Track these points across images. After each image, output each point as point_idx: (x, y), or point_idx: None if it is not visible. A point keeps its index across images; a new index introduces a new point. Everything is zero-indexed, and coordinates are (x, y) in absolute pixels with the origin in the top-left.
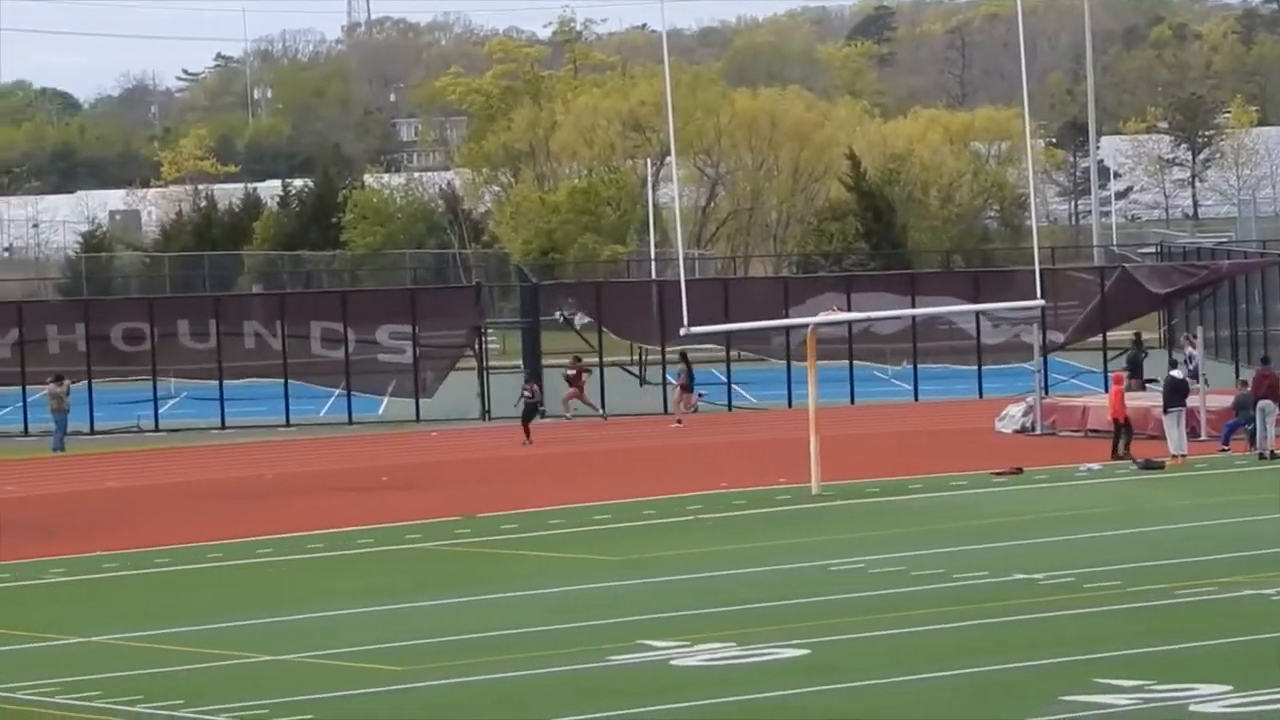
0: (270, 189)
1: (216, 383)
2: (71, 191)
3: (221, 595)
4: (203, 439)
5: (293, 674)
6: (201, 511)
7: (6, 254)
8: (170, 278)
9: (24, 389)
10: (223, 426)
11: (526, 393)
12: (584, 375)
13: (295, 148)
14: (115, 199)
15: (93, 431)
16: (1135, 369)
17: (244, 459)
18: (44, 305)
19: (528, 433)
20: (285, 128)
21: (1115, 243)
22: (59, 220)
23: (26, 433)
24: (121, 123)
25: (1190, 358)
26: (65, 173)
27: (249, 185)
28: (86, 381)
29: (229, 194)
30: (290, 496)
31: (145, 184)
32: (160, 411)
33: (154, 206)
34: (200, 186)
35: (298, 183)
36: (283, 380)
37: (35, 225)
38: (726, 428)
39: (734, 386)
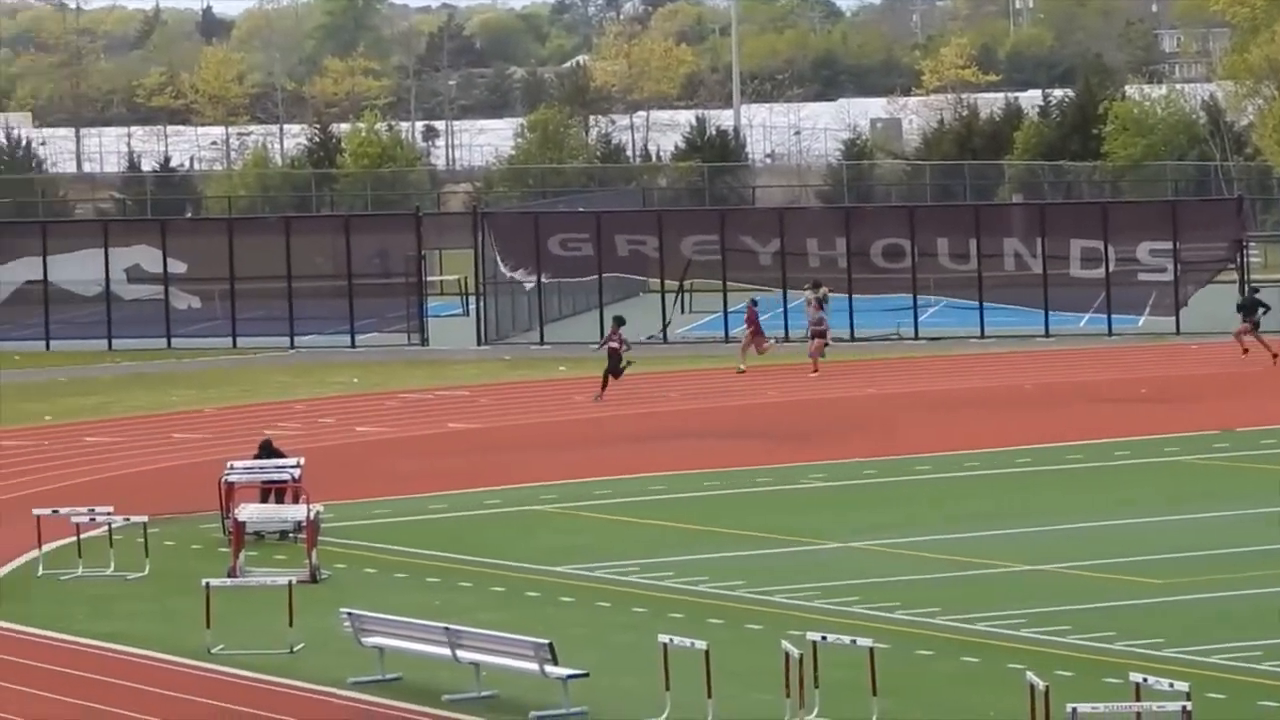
0: (1031, 99)
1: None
2: (833, 99)
3: (977, 504)
4: (961, 348)
5: (1049, 584)
6: (959, 420)
7: (769, 160)
8: (930, 186)
9: (784, 294)
10: (981, 336)
11: (614, 341)
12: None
13: (1057, 57)
14: (876, 107)
15: (852, 338)
16: None
17: (1002, 368)
18: (805, 212)
19: (603, 385)
20: (1047, 38)
21: None
22: (820, 128)
23: (787, 339)
24: (883, 31)
25: None
26: (828, 80)
27: (1009, 94)
28: (847, 294)
29: (990, 103)
30: (1048, 407)
31: (906, 92)
32: (920, 320)
33: (915, 115)
34: (961, 95)
35: (1058, 93)
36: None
37: (797, 132)
38: None
39: None
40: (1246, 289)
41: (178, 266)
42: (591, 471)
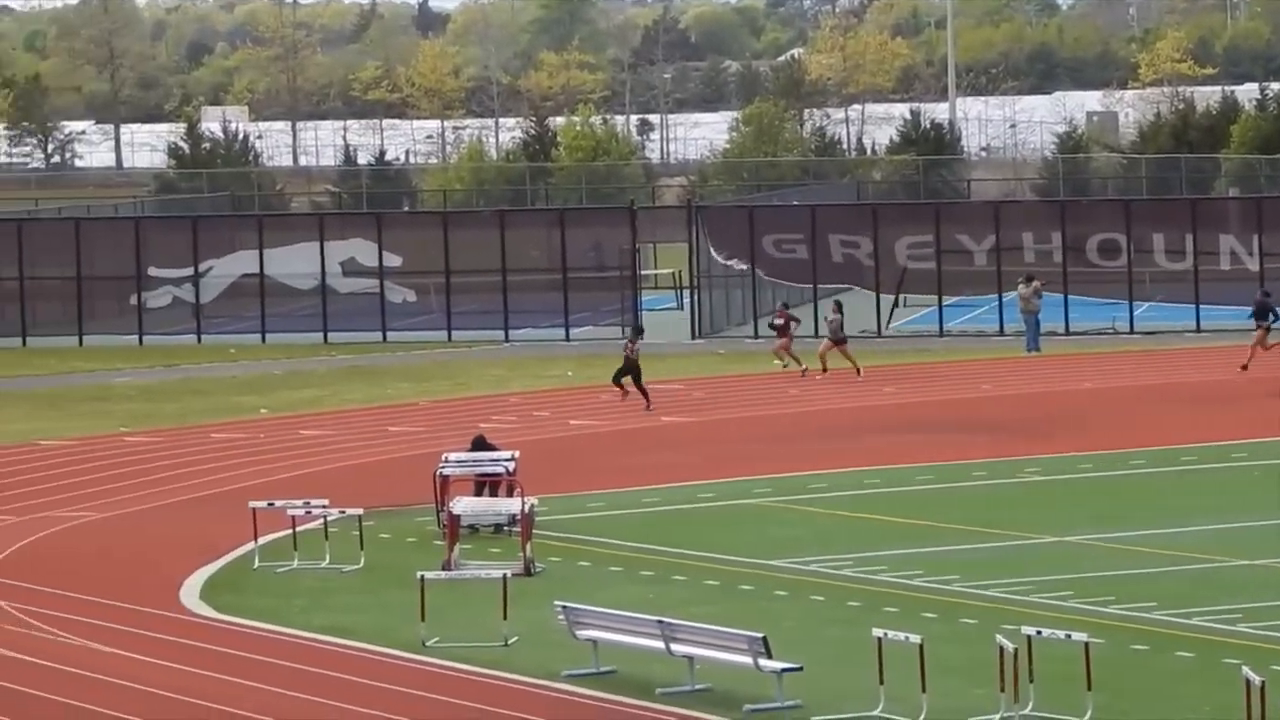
0: (1248, 92)
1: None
2: (1049, 92)
3: (1193, 498)
4: (1177, 341)
5: (1266, 578)
6: (1174, 414)
7: (984, 154)
8: (1146, 179)
9: (999, 291)
10: (1197, 329)
11: (630, 352)
12: (791, 325)
13: (1274, 50)
14: (1092, 100)
15: (1067, 332)
16: None
17: (1218, 363)
18: (1020, 205)
19: (643, 391)
20: (1264, 30)
21: None
22: (1036, 121)
23: (1002, 333)
24: (1099, 24)
25: None
26: (1043, 74)
27: (1226, 88)
28: (1062, 290)
29: (1206, 96)
30: (1264, 400)
31: (1122, 85)
32: (1135, 314)
33: (1130, 108)
34: (1178, 88)
35: (1275, 85)
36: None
37: (1012, 126)
38: None
39: None
40: (1259, 293)
41: (393, 260)
42: (806, 465)
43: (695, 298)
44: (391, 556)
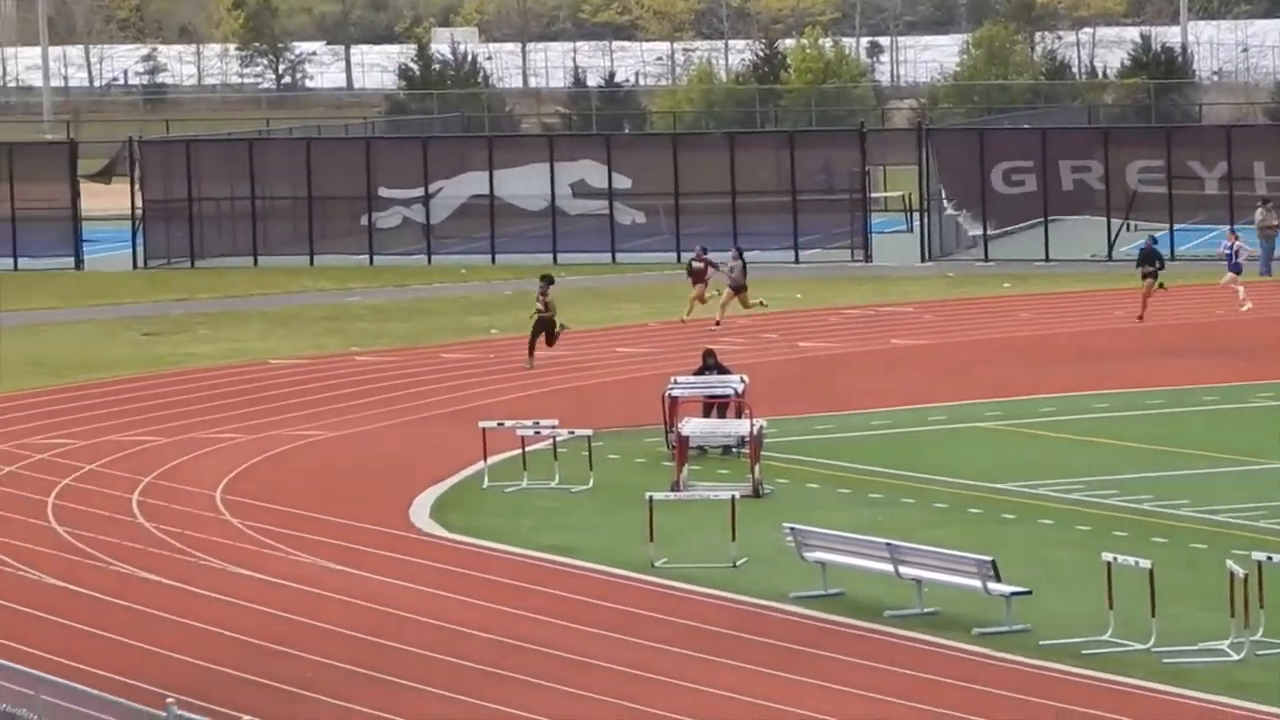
0: None
1: None
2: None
3: None
4: None
5: None
6: None
7: (1215, 78)
8: None
9: (1231, 216)
10: None
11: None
12: (709, 271)
13: None
14: None
15: None
16: None
17: None
18: (1252, 130)
19: (532, 350)
20: None
21: None
22: (1268, 45)
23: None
24: None
25: None
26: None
27: None
28: None
29: None
30: None
31: None
32: None
33: None
34: None
35: None
36: None
37: (1244, 50)
38: None
39: None
40: (1148, 238)
41: (622, 182)
42: (1036, 389)
43: (925, 220)
44: (620, 477)
